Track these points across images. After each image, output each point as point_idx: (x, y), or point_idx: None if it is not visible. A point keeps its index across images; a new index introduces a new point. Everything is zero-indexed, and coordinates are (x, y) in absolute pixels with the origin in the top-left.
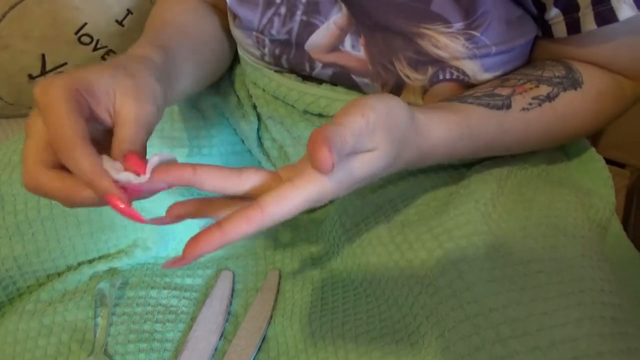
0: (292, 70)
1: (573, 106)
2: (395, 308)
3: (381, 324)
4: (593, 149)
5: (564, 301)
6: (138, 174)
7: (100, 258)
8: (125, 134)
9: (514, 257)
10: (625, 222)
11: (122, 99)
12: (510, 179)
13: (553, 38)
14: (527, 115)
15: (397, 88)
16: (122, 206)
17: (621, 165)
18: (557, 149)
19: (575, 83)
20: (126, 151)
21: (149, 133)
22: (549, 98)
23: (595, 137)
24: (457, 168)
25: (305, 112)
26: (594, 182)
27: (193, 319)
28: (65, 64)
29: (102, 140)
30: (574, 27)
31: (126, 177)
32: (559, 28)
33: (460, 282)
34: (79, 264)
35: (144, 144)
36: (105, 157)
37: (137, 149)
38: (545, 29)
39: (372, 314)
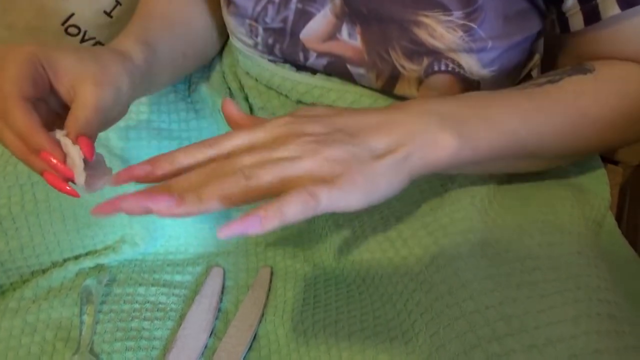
0: (285, 60)
1: (584, 85)
2: (389, 305)
3: (375, 322)
4: None
5: (561, 298)
6: (86, 157)
7: (86, 254)
8: (80, 114)
9: (510, 254)
10: (618, 219)
11: (83, 81)
12: (506, 176)
13: (570, 32)
14: (526, 91)
15: (392, 79)
16: (54, 161)
17: (614, 162)
18: None
19: (583, 70)
20: (78, 131)
21: (104, 119)
22: (551, 82)
23: None
24: None
25: (299, 102)
26: (589, 178)
27: (182, 316)
28: None
29: (61, 115)
30: (592, 15)
31: (77, 152)
32: (576, 20)
33: (456, 279)
34: (65, 261)
35: (96, 129)
36: (58, 130)
37: (88, 132)
38: (562, 24)
39: (366, 312)
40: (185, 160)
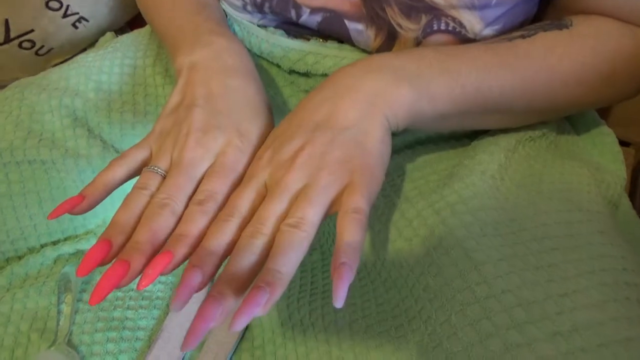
0: (277, 23)
1: (557, 40)
2: (393, 291)
3: (378, 309)
4: (603, 122)
5: (584, 281)
6: None
7: (65, 239)
8: None
9: (525, 233)
10: (630, 202)
11: None
12: (518, 150)
13: None
14: (491, 46)
15: (390, 39)
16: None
17: (626, 144)
18: (565, 121)
19: (560, 25)
20: None
21: None
22: (523, 36)
23: (600, 114)
24: (459, 139)
25: (292, 71)
26: (603, 156)
27: (169, 305)
28: (32, 30)
29: None
30: None
31: None
32: None
33: (467, 262)
34: (42, 246)
35: None
36: None
37: None
38: None
39: (368, 298)
40: (215, 242)
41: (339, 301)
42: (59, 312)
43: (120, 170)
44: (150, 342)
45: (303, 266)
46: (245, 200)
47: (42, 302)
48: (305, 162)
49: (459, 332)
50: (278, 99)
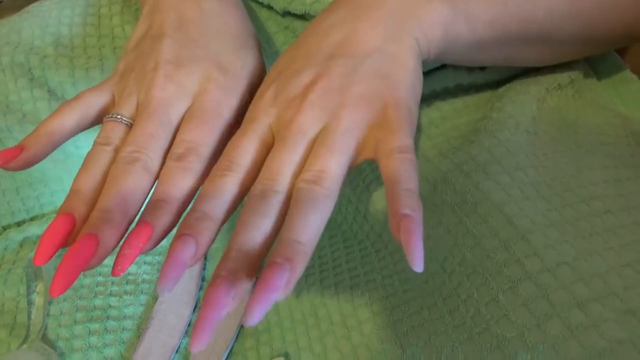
0: None
1: None
2: None
3: (403, 287)
4: (626, 67)
5: None
6: None
7: (31, 219)
8: None
9: (571, 194)
10: None
11: None
12: (547, 100)
13: None
14: None
15: None
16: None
17: None
18: (587, 66)
19: None
20: None
21: None
22: None
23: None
24: (479, 89)
25: (286, 13)
26: (628, 105)
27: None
28: None
29: None
30: None
31: None
32: None
33: (511, 229)
34: (4, 228)
35: None
36: None
37: None
38: None
39: (388, 274)
40: (210, 203)
41: (417, 264)
42: (29, 303)
43: (71, 116)
44: (140, 332)
45: None
46: (245, 150)
47: (8, 292)
48: (320, 97)
49: (510, 314)
50: (270, 48)
